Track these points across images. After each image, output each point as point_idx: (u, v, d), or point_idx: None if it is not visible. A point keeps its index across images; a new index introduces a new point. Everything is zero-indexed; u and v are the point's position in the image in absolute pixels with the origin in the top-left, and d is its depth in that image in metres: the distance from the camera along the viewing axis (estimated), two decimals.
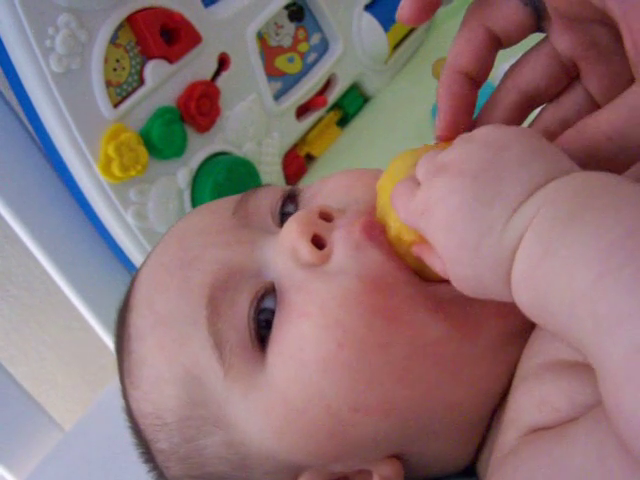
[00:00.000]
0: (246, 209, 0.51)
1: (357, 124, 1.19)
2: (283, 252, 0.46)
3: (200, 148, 0.93)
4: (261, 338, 0.45)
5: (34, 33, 0.75)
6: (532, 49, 0.45)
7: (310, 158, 1.15)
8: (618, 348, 0.27)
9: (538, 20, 0.44)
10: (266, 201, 0.52)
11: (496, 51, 0.46)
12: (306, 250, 0.45)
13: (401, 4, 0.44)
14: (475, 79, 0.45)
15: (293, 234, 0.46)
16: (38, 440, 0.91)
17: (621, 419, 0.27)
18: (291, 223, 0.46)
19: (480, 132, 0.38)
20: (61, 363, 1.11)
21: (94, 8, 0.79)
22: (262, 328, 0.45)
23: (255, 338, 0.45)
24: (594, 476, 0.32)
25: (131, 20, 0.83)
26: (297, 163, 1.11)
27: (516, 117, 0.46)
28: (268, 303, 0.45)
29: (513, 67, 0.46)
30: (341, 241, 0.45)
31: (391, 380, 0.42)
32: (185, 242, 0.50)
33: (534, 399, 0.39)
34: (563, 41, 0.43)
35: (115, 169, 0.81)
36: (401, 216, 0.40)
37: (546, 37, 0.45)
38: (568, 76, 0.44)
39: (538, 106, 0.46)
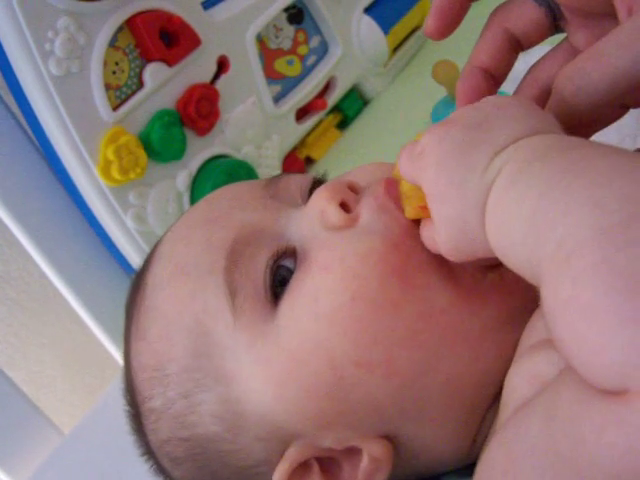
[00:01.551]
0: (277, 186, 0.53)
1: (357, 127, 1.19)
2: (310, 216, 0.48)
3: (199, 151, 0.93)
4: (275, 294, 0.46)
5: (33, 36, 0.75)
6: (554, 47, 0.48)
7: (310, 161, 1.16)
8: (547, 250, 0.28)
9: (555, 20, 0.46)
10: (296, 182, 0.54)
11: (516, 52, 0.48)
12: (334, 212, 0.47)
13: (427, 19, 0.47)
14: (495, 76, 0.48)
15: (322, 199, 0.48)
16: (37, 444, 0.91)
17: (556, 322, 0.27)
18: (321, 190, 0.49)
19: (482, 99, 0.41)
20: (60, 366, 1.11)
21: (93, 11, 0.79)
22: (278, 284, 0.46)
23: (269, 290, 0.46)
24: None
25: (130, 23, 0.83)
26: (297, 166, 1.11)
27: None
28: (287, 263, 0.47)
29: (536, 63, 0.48)
30: (367, 205, 0.47)
31: (396, 340, 0.43)
32: (213, 205, 0.53)
33: (525, 375, 0.40)
34: (579, 38, 0.45)
35: (114, 172, 0.81)
36: (401, 168, 0.42)
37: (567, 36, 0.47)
38: None
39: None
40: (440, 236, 0.39)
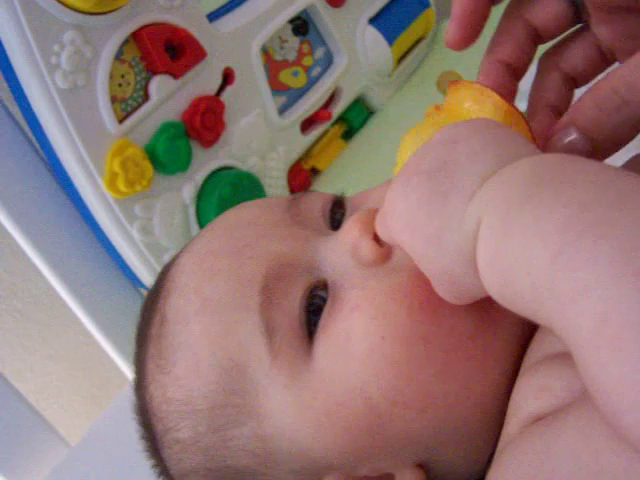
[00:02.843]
0: (298, 208, 0.52)
1: (362, 137, 1.19)
2: (342, 249, 0.47)
3: (205, 163, 0.93)
4: (310, 331, 0.45)
5: (40, 50, 0.75)
6: (571, 34, 0.46)
7: (315, 172, 1.16)
8: (584, 321, 0.26)
9: (577, 13, 0.45)
10: (317, 204, 0.53)
11: (536, 45, 0.47)
12: (369, 248, 0.46)
13: (447, 30, 0.46)
14: (515, 70, 0.46)
15: (355, 232, 0.47)
16: (44, 455, 0.91)
17: (598, 395, 0.26)
18: (353, 222, 0.47)
19: (436, 134, 0.39)
20: (67, 378, 1.11)
21: (99, 25, 0.79)
22: (312, 314, 0.45)
23: (305, 328, 0.45)
24: (581, 457, 0.31)
25: (136, 36, 0.84)
26: (302, 177, 1.11)
27: (563, 96, 0.47)
28: (320, 293, 0.46)
29: (552, 50, 0.47)
30: None
31: (430, 374, 0.42)
32: (236, 232, 0.50)
33: (534, 387, 0.39)
34: (602, 32, 0.44)
35: (120, 184, 0.82)
36: (380, 236, 0.42)
37: (585, 26, 0.46)
38: (606, 63, 0.46)
39: (577, 87, 0.47)
40: (437, 289, 0.39)
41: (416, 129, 0.45)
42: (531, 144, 0.36)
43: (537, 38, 0.47)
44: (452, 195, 0.34)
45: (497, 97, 0.42)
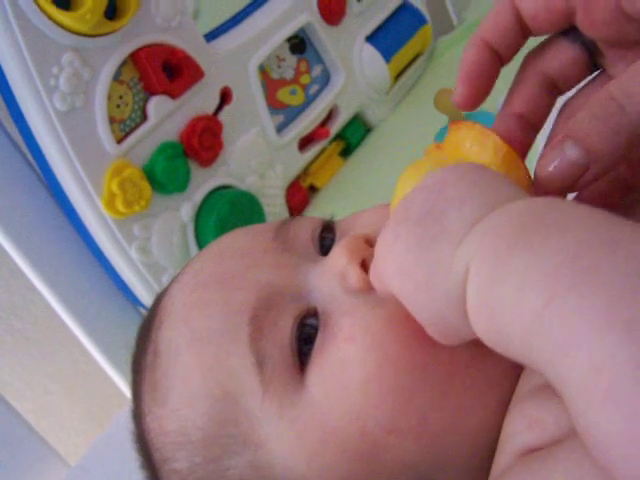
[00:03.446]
0: (287, 235, 0.51)
1: (360, 154, 1.20)
2: (331, 276, 0.47)
3: (203, 182, 0.93)
4: (302, 360, 0.45)
5: (38, 72, 0.76)
6: (590, 81, 0.46)
7: (313, 189, 1.16)
8: (575, 374, 0.26)
9: (591, 56, 0.44)
10: (306, 229, 0.52)
11: (554, 96, 0.46)
12: (356, 276, 0.45)
13: (455, 90, 0.45)
14: (531, 122, 0.46)
15: (343, 259, 0.46)
16: (43, 475, 0.91)
17: (590, 445, 0.26)
18: (341, 248, 0.47)
19: (424, 179, 0.39)
20: (66, 397, 1.11)
21: (97, 46, 0.80)
22: (303, 343, 0.45)
23: (297, 358, 0.45)
24: None
25: (134, 57, 0.84)
26: (300, 195, 1.12)
27: (539, 105, 0.46)
28: (311, 321, 0.45)
29: (570, 100, 0.46)
30: None
31: (426, 403, 0.42)
32: (224, 261, 0.50)
33: (526, 419, 0.39)
34: (619, 71, 0.42)
35: (119, 205, 0.82)
36: (373, 283, 0.41)
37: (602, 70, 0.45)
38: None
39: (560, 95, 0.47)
40: (428, 331, 0.38)
41: (415, 165, 0.45)
42: (519, 188, 0.36)
43: (554, 89, 0.46)
44: (440, 241, 0.34)
45: (497, 139, 0.42)
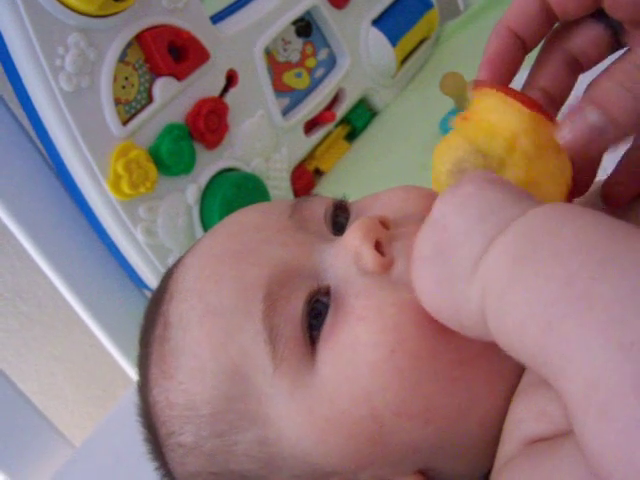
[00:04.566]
0: (301, 213, 0.52)
1: (365, 138, 1.19)
2: (345, 256, 0.47)
3: (208, 164, 0.93)
4: (312, 336, 0.45)
5: (44, 52, 0.76)
6: (614, 62, 0.45)
7: (319, 173, 1.16)
8: (574, 388, 0.29)
9: (615, 36, 0.45)
10: (320, 208, 0.52)
11: (576, 74, 0.47)
12: (370, 256, 0.45)
13: (478, 74, 0.46)
14: (553, 99, 0.46)
15: (357, 240, 0.46)
16: (48, 456, 0.91)
17: (586, 450, 0.28)
18: (356, 229, 0.47)
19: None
20: (71, 379, 1.11)
21: (103, 27, 0.80)
22: (314, 327, 0.45)
23: (307, 333, 0.45)
24: None
25: (140, 38, 0.84)
26: (306, 178, 1.12)
27: (562, 81, 0.47)
28: (319, 304, 0.46)
29: (595, 81, 0.45)
30: (403, 252, 0.46)
31: (436, 388, 0.42)
32: (240, 237, 0.50)
33: (533, 410, 0.40)
34: None
35: (124, 186, 0.82)
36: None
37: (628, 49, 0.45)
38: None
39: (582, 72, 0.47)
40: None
41: (446, 140, 0.45)
42: (516, 197, 0.38)
43: (577, 67, 0.46)
44: (454, 281, 0.37)
45: (519, 105, 0.42)
